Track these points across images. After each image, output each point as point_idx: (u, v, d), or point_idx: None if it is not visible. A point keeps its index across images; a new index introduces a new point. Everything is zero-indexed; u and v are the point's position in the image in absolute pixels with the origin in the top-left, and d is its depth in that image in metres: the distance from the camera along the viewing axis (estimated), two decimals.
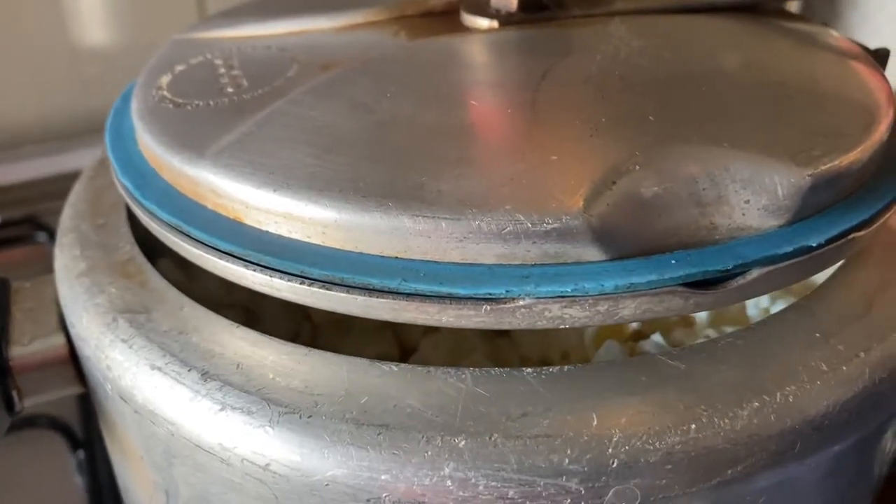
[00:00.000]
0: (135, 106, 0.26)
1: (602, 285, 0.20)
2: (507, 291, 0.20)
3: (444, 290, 0.20)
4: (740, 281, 0.21)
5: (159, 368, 0.22)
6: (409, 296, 0.20)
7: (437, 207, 0.20)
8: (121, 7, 0.63)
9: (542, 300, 0.20)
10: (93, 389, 0.26)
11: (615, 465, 0.19)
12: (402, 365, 0.21)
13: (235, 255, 0.21)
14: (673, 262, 0.20)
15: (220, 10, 0.33)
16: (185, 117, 0.25)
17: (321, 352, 0.22)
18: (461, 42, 0.28)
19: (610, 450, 0.20)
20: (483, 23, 0.29)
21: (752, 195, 0.21)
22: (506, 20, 0.29)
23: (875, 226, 0.23)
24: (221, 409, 0.21)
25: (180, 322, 0.23)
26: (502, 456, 0.19)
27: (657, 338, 0.28)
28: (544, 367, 0.21)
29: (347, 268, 0.21)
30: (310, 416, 0.20)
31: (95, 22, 0.63)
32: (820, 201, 0.22)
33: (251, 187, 0.22)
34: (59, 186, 0.31)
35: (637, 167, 0.21)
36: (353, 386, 0.21)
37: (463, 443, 0.20)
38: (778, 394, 0.21)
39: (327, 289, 0.20)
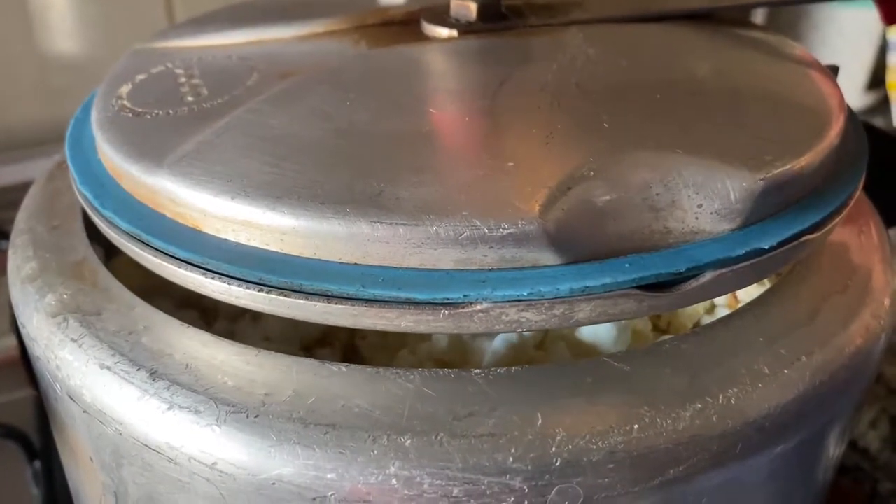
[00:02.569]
0: (94, 115, 0.27)
1: (557, 289, 0.20)
2: (464, 296, 0.20)
3: (403, 295, 0.20)
4: (694, 284, 0.21)
5: (108, 368, 0.22)
6: (368, 301, 0.20)
7: (396, 214, 0.20)
8: (89, 17, 0.63)
9: (499, 304, 0.20)
10: (44, 391, 0.26)
11: (558, 463, 0.20)
12: (351, 365, 0.21)
13: (194, 263, 0.22)
14: (627, 265, 0.21)
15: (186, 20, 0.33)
16: (144, 126, 0.25)
17: (270, 352, 0.22)
18: (421, 51, 0.29)
19: (553, 449, 0.20)
20: (443, 32, 0.29)
21: (705, 199, 0.22)
22: (465, 29, 0.29)
23: (826, 229, 0.23)
24: (169, 409, 0.21)
25: (131, 322, 0.23)
26: (447, 455, 0.20)
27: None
28: (492, 368, 0.21)
29: (306, 274, 0.21)
30: (257, 416, 0.20)
31: (64, 32, 0.63)
32: (772, 205, 0.22)
33: (209, 195, 0.22)
34: (23, 195, 0.31)
35: (591, 173, 0.21)
36: (301, 386, 0.21)
37: (409, 442, 0.20)
38: (720, 396, 0.21)
39: (286, 296, 0.21)
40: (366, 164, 0.22)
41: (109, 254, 0.27)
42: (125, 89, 0.27)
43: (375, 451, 0.20)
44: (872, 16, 0.78)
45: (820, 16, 0.77)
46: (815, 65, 0.28)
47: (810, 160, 0.23)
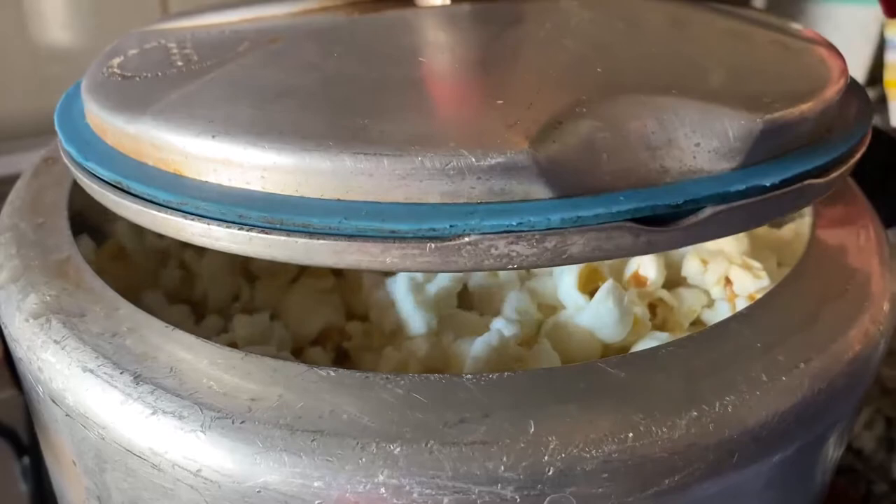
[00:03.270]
0: (84, 83, 0.26)
1: (548, 219, 0.19)
2: (451, 226, 0.19)
3: (388, 227, 0.19)
4: (692, 219, 0.20)
5: (91, 371, 0.22)
6: (351, 237, 0.20)
7: (380, 146, 0.20)
8: (83, 7, 0.62)
9: (487, 236, 0.19)
10: (27, 392, 0.26)
11: (551, 472, 0.19)
12: (340, 370, 0.21)
13: (173, 206, 0.21)
14: (622, 198, 0.20)
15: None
16: (132, 86, 0.24)
17: (256, 356, 0.21)
18: (413, 14, 0.28)
19: (546, 457, 0.19)
20: (436, 0, 0.29)
21: (703, 138, 0.21)
22: None
23: (829, 177, 0.22)
24: (153, 413, 0.21)
25: (115, 324, 0.23)
26: (438, 463, 0.19)
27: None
28: (484, 374, 0.21)
29: (287, 210, 0.20)
30: (242, 422, 0.20)
31: (57, 22, 0.62)
32: (772, 147, 0.22)
33: (190, 136, 0.21)
34: (12, 187, 0.31)
35: (584, 110, 0.21)
36: (288, 391, 0.20)
37: (398, 449, 0.19)
38: (717, 403, 0.21)
39: (266, 233, 0.20)
40: (351, 105, 0.22)
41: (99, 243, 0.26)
42: (116, 61, 0.27)
43: (364, 459, 0.19)
44: (870, 13, 0.78)
45: (817, 13, 0.77)
46: (819, 37, 0.28)
47: (811, 108, 0.22)
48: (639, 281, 0.30)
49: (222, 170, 0.21)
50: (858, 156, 0.24)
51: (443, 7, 0.28)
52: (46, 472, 0.42)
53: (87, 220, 0.30)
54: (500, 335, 0.26)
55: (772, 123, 0.21)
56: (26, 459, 0.44)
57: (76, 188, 0.30)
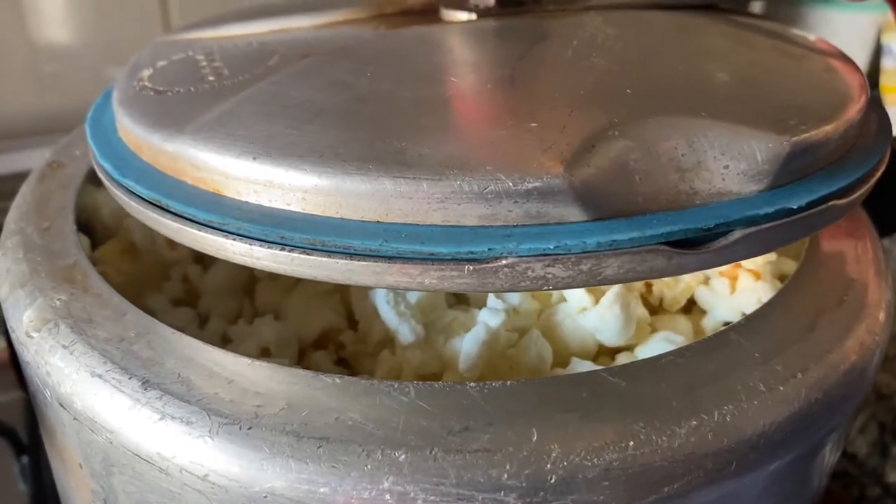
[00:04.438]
0: (116, 96, 0.26)
1: (584, 242, 0.20)
2: (489, 249, 0.20)
3: (427, 249, 0.20)
4: (723, 242, 0.21)
5: (100, 376, 0.22)
6: (391, 258, 0.20)
7: (419, 169, 0.20)
8: (81, 5, 0.62)
9: (524, 258, 0.20)
10: (33, 395, 0.26)
11: (553, 480, 0.20)
12: (345, 377, 0.21)
13: (214, 225, 0.21)
14: (655, 221, 0.21)
15: (182, 9, 0.33)
16: (165, 102, 0.25)
17: (264, 363, 0.22)
18: (440, 30, 0.29)
19: (548, 465, 0.20)
20: (461, 16, 0.29)
21: (731, 160, 0.21)
22: (483, 13, 0.29)
23: (853, 196, 0.23)
24: (161, 419, 0.21)
25: (123, 329, 0.23)
26: (442, 470, 0.20)
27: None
28: (487, 382, 0.21)
29: (328, 232, 0.20)
30: (250, 428, 0.20)
31: (56, 20, 0.62)
32: (798, 168, 0.22)
33: (231, 157, 0.21)
34: (13, 186, 0.31)
35: (616, 133, 0.21)
36: (294, 398, 0.21)
37: (403, 456, 0.20)
38: (716, 413, 0.21)
39: (308, 254, 0.20)
40: (388, 125, 0.22)
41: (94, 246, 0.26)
42: (146, 73, 0.27)
43: (369, 466, 0.20)
44: (867, 19, 0.79)
45: (813, 19, 0.77)
46: (834, 49, 0.28)
47: (835, 128, 0.23)
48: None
49: (263, 191, 0.21)
50: (879, 174, 0.24)
51: (469, 22, 0.29)
52: (45, 472, 0.42)
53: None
54: (487, 327, 0.27)
55: (798, 146, 0.22)
56: (25, 459, 0.44)
57: (81, 192, 0.30)
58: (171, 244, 0.32)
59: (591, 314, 0.28)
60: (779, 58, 0.27)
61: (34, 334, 0.24)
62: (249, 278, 0.32)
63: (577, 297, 0.29)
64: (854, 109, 0.24)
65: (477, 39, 0.28)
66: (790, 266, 0.31)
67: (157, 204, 0.22)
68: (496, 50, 0.27)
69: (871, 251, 0.28)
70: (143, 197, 0.23)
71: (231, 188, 0.22)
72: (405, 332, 0.28)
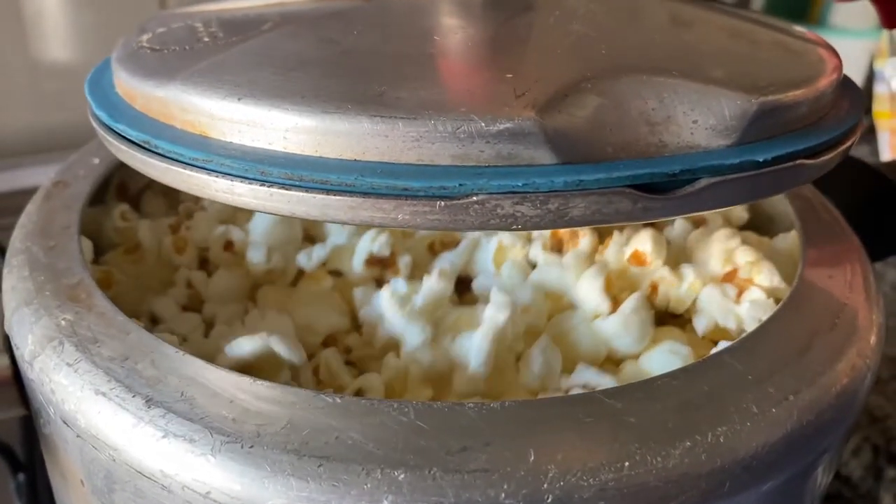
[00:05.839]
0: (115, 55, 0.27)
1: (552, 181, 0.20)
2: (460, 185, 0.20)
3: (400, 184, 0.20)
4: (688, 189, 0.22)
5: (104, 394, 0.22)
6: (366, 194, 0.21)
7: (395, 109, 0.21)
8: (83, 25, 0.63)
9: (494, 195, 0.20)
10: (35, 413, 0.26)
11: (550, 500, 0.20)
12: (346, 397, 0.22)
13: (199, 164, 0.22)
14: (622, 165, 0.21)
15: None
16: (161, 57, 0.25)
17: (266, 382, 0.22)
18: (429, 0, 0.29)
19: (545, 485, 0.20)
20: None
21: (700, 116, 0.22)
22: None
23: (823, 159, 0.24)
24: (164, 436, 0.21)
25: (126, 347, 0.24)
26: (440, 489, 0.20)
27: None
28: (485, 402, 0.22)
29: (307, 167, 0.21)
30: (251, 446, 0.21)
31: (57, 39, 0.63)
32: (767, 128, 0.23)
33: (217, 99, 0.22)
34: (14, 203, 0.31)
35: (589, 85, 0.22)
36: (295, 417, 0.21)
37: (402, 476, 0.20)
38: (709, 434, 0.21)
39: (286, 189, 0.21)
40: (370, 74, 0.23)
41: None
42: (145, 37, 0.28)
43: (369, 485, 0.20)
44: (859, 45, 0.79)
45: None
46: (817, 37, 0.29)
47: (804, 94, 0.23)
48: (639, 259, 0.31)
49: (246, 131, 0.22)
50: (850, 143, 0.25)
51: None
52: (42, 491, 0.42)
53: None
54: (495, 324, 0.27)
55: (766, 105, 0.22)
56: (22, 477, 0.44)
57: (87, 212, 0.30)
58: (178, 248, 0.33)
59: (612, 321, 0.29)
60: (759, 37, 0.27)
61: (39, 352, 0.24)
62: (253, 284, 0.32)
63: (592, 302, 0.29)
64: (826, 81, 0.24)
65: (464, 8, 0.29)
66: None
67: (146, 146, 0.23)
68: (480, 16, 0.28)
69: (862, 275, 0.29)
70: (133, 140, 0.23)
71: (216, 129, 0.22)
72: (413, 333, 0.28)
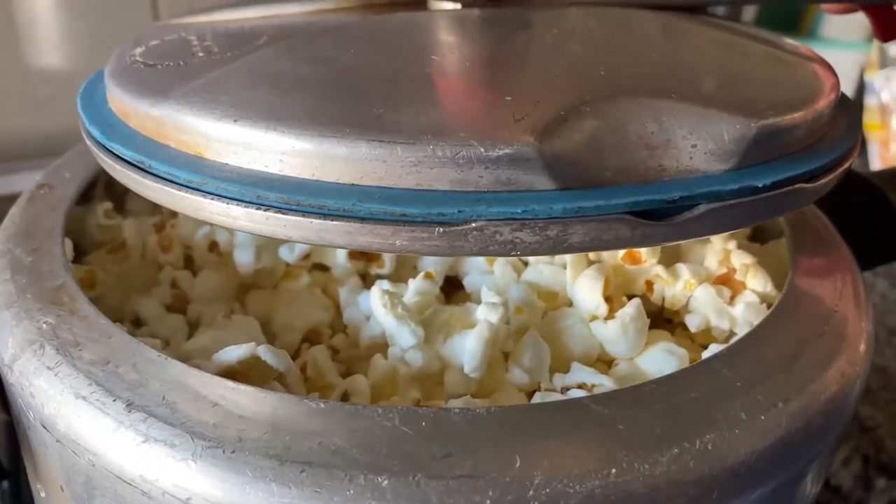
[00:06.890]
0: (108, 69, 0.27)
1: (551, 208, 0.20)
2: (459, 212, 0.20)
3: (399, 210, 0.20)
4: (687, 215, 0.21)
5: (84, 398, 0.22)
6: (364, 219, 0.20)
7: (394, 134, 0.21)
8: (76, 31, 0.62)
9: (493, 222, 0.20)
10: (16, 417, 0.26)
11: None
12: (330, 402, 0.21)
13: (194, 185, 0.22)
14: (621, 191, 0.21)
15: None
16: (155, 73, 0.25)
17: (248, 386, 0.22)
18: (425, 16, 0.29)
19: (531, 492, 0.20)
20: (447, 5, 0.30)
21: (699, 140, 0.22)
22: (469, 3, 0.30)
23: (820, 182, 0.23)
24: (144, 441, 0.21)
25: (108, 351, 0.23)
26: (424, 496, 0.20)
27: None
28: (471, 408, 0.21)
29: (304, 192, 0.21)
30: (233, 452, 0.20)
31: (50, 45, 0.62)
32: (765, 152, 0.23)
33: (212, 120, 0.22)
34: (5, 209, 0.31)
35: (588, 109, 0.22)
36: (278, 422, 0.21)
37: (386, 482, 0.20)
38: (697, 441, 0.21)
39: (283, 213, 0.21)
40: (367, 95, 0.23)
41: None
42: (138, 51, 0.27)
43: (352, 491, 0.20)
44: (850, 57, 0.80)
45: None
46: (813, 53, 0.29)
47: (803, 116, 0.23)
48: (633, 257, 0.31)
49: (242, 153, 0.22)
50: (847, 165, 0.25)
51: (454, 11, 0.30)
52: (26, 498, 0.42)
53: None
54: (489, 324, 0.27)
55: (765, 129, 0.22)
56: (5, 484, 0.43)
57: (71, 214, 0.30)
58: (163, 246, 0.32)
59: (610, 327, 0.28)
60: (756, 55, 0.27)
61: (19, 356, 0.24)
62: (240, 284, 0.32)
63: (590, 304, 0.29)
64: (823, 102, 0.24)
65: (460, 25, 0.29)
66: None
67: (141, 166, 0.23)
68: (478, 35, 0.28)
69: (852, 284, 0.29)
70: (128, 160, 0.23)
71: (212, 150, 0.22)
72: (405, 334, 0.28)
